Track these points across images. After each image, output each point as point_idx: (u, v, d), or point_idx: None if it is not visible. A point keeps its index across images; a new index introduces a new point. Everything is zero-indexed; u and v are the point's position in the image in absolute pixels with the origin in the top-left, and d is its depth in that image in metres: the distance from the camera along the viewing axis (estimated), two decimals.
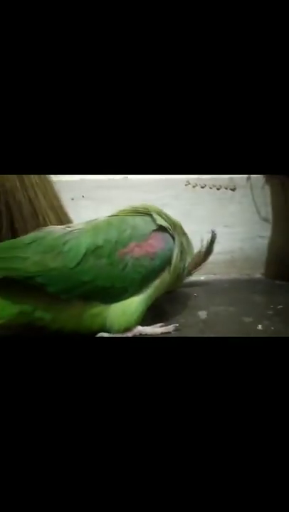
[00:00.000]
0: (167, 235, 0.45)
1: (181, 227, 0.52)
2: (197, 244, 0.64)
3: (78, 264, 0.40)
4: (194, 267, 0.66)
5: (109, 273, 0.40)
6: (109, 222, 0.44)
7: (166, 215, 0.49)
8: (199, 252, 0.65)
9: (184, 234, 0.52)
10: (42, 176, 0.62)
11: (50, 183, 0.63)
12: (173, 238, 0.47)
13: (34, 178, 0.60)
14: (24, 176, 0.60)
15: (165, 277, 0.46)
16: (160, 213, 0.48)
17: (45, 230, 0.44)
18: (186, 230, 0.55)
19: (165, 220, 0.47)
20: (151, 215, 0.46)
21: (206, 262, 0.66)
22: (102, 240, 0.41)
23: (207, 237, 0.65)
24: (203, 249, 0.65)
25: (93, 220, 0.46)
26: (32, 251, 0.40)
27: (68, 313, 0.42)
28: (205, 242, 0.65)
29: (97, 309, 0.42)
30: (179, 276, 0.50)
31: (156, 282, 0.45)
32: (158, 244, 0.43)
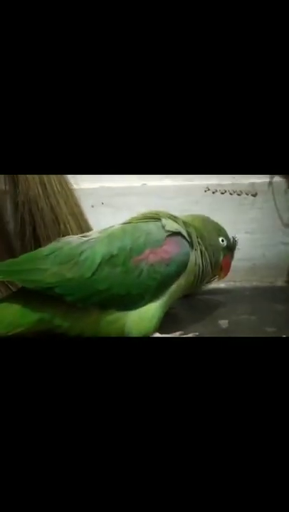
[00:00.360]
0: (182, 239, 0.45)
1: (199, 226, 0.51)
2: None
3: (94, 273, 0.40)
4: (214, 275, 0.65)
5: (125, 281, 0.41)
6: (123, 230, 0.44)
7: (178, 218, 0.48)
8: None
9: (203, 233, 0.51)
10: (63, 183, 0.63)
11: (70, 190, 0.65)
12: (189, 242, 0.47)
13: (56, 186, 0.62)
14: (46, 184, 0.61)
15: (181, 282, 0.45)
16: (171, 217, 0.47)
17: (63, 240, 0.45)
18: None
19: (178, 224, 0.47)
20: (162, 220, 0.45)
21: None
22: (116, 249, 0.42)
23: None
24: None
25: (108, 228, 0.46)
26: (50, 262, 0.41)
27: (86, 321, 0.43)
28: None
29: (115, 316, 0.43)
30: (197, 277, 0.49)
31: (173, 288, 0.44)
32: (173, 249, 0.43)
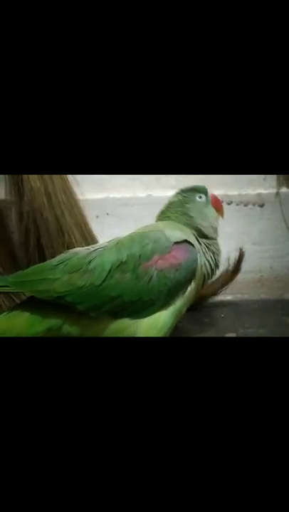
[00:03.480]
0: (189, 245, 0.45)
1: (196, 234, 0.49)
2: (224, 263, 0.61)
3: (104, 280, 0.41)
4: (221, 286, 0.63)
5: (136, 287, 0.41)
6: (131, 238, 0.44)
7: (180, 228, 0.48)
8: (226, 270, 0.63)
9: (207, 241, 0.49)
10: (68, 194, 0.63)
11: (76, 201, 0.65)
12: (194, 246, 0.47)
13: (61, 196, 0.62)
14: (52, 194, 0.61)
15: (192, 289, 0.45)
16: (173, 228, 0.47)
17: (70, 251, 0.45)
18: None
19: (181, 231, 0.47)
20: (165, 232, 0.45)
21: (233, 281, 0.63)
22: (125, 256, 0.42)
23: (234, 255, 0.63)
24: (231, 268, 0.63)
25: (115, 238, 0.46)
26: (60, 272, 0.41)
27: (96, 329, 0.42)
28: (232, 261, 0.63)
29: (125, 324, 0.42)
30: (208, 274, 0.48)
31: (184, 294, 0.44)
32: (181, 255, 0.43)
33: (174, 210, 0.48)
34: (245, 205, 0.69)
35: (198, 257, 0.45)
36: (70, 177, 0.65)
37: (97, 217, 0.69)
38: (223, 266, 0.63)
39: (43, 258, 0.64)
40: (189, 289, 0.44)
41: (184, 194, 0.49)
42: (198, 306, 0.63)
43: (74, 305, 0.41)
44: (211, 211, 0.49)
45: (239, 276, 0.61)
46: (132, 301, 0.41)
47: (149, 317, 0.42)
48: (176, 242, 0.44)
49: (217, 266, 0.48)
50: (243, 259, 0.59)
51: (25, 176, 0.61)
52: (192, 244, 0.45)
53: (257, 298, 0.68)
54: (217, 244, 0.49)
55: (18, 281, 0.42)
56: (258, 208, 0.70)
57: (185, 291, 0.44)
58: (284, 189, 0.71)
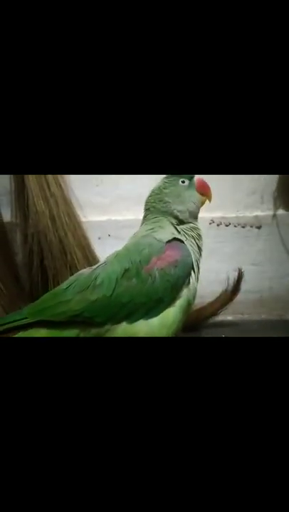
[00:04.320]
0: (179, 243, 0.47)
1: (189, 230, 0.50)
2: (223, 283, 0.62)
3: (114, 290, 0.43)
4: (221, 307, 0.64)
5: (143, 289, 0.44)
6: (127, 248, 0.47)
7: (161, 225, 0.49)
8: (226, 290, 0.63)
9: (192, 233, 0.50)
10: (72, 216, 0.66)
11: (79, 223, 0.67)
12: (184, 241, 0.48)
13: (64, 218, 0.64)
14: (56, 216, 0.64)
15: (193, 283, 0.47)
16: (158, 231, 0.49)
17: (75, 274, 0.48)
18: (212, 267, 0.54)
19: (168, 231, 0.48)
20: (155, 234, 0.48)
21: (233, 302, 0.64)
22: (127, 263, 0.44)
23: (234, 275, 0.64)
24: (230, 288, 0.63)
25: (112, 253, 0.48)
26: (71, 293, 0.44)
27: (111, 334, 0.44)
28: (231, 281, 0.63)
29: (139, 326, 0.44)
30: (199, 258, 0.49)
31: (189, 286, 0.46)
32: (175, 253, 0.46)
33: (153, 199, 0.49)
34: (243, 227, 0.71)
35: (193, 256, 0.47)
36: (74, 200, 0.68)
37: (100, 238, 0.70)
38: (222, 286, 0.63)
39: (45, 279, 0.65)
40: (192, 280, 0.47)
41: (166, 180, 0.49)
42: (198, 326, 0.63)
43: (92, 319, 0.43)
44: (192, 195, 0.49)
45: (239, 297, 0.62)
46: (142, 302, 0.43)
47: (158, 316, 0.44)
48: (167, 241, 0.46)
49: (200, 249, 0.49)
50: (243, 279, 0.60)
51: (31, 200, 0.63)
52: (180, 240, 0.47)
53: (257, 318, 0.68)
54: (197, 228, 0.50)
55: (34, 311, 0.44)
56: (256, 230, 0.71)
57: (188, 283, 0.46)
58: (281, 211, 0.73)
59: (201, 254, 0.49)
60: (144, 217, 0.51)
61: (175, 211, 0.49)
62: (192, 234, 0.49)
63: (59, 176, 0.65)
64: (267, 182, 0.73)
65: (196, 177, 0.50)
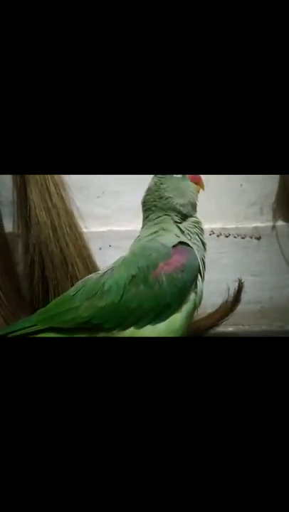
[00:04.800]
0: (185, 246, 0.47)
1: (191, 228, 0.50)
2: (223, 293, 0.62)
3: (122, 296, 0.43)
4: (221, 317, 0.63)
5: (151, 294, 0.44)
6: (133, 254, 0.47)
7: (164, 227, 0.49)
8: (226, 301, 0.63)
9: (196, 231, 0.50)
10: (73, 227, 0.66)
11: (80, 233, 0.67)
12: (190, 245, 0.48)
13: (66, 229, 0.65)
14: (57, 227, 0.64)
15: (200, 286, 0.47)
16: (161, 234, 0.48)
17: (82, 280, 0.48)
18: (212, 278, 0.54)
19: (174, 235, 0.48)
20: (161, 239, 0.48)
21: (233, 313, 0.64)
22: (134, 269, 0.45)
23: (234, 286, 0.64)
24: (230, 299, 0.63)
25: (118, 258, 0.48)
26: (79, 300, 0.44)
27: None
28: (232, 292, 0.63)
29: (146, 331, 0.44)
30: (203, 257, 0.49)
31: (194, 292, 0.46)
32: (181, 258, 0.46)
33: (151, 197, 0.49)
34: (243, 238, 0.72)
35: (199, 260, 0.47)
36: (76, 211, 0.69)
37: (100, 249, 0.71)
38: (222, 296, 0.63)
39: (46, 289, 0.65)
40: (198, 283, 0.47)
41: (159, 176, 0.50)
42: (199, 337, 0.63)
43: (101, 325, 0.43)
44: (188, 185, 0.49)
45: (240, 308, 0.61)
46: (150, 308, 0.44)
47: (166, 321, 0.44)
48: (174, 246, 0.46)
49: (204, 244, 0.49)
50: (243, 290, 0.60)
51: (33, 211, 0.64)
52: (186, 244, 0.47)
53: (258, 329, 0.68)
54: (199, 222, 0.50)
55: (43, 318, 0.45)
56: (256, 241, 0.72)
57: (196, 287, 0.46)
58: (280, 222, 0.74)
59: (205, 250, 0.49)
60: (146, 217, 0.50)
61: (178, 205, 0.48)
62: (195, 230, 0.49)
63: (61, 187, 0.66)
64: (266, 194, 0.74)
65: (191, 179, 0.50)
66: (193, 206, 0.50)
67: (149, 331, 0.44)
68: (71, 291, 0.46)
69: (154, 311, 0.44)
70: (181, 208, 0.49)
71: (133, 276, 0.44)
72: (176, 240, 0.47)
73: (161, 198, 0.49)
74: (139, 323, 0.44)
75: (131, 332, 0.44)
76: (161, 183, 0.49)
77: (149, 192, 0.50)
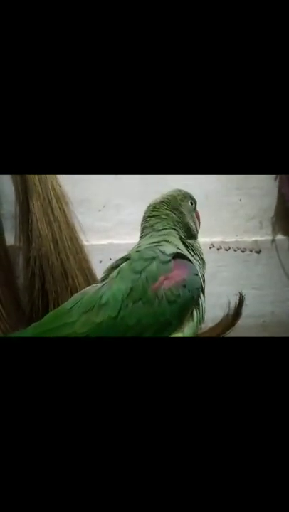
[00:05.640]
0: (187, 261, 0.46)
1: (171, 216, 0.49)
2: (224, 307, 0.62)
3: (120, 311, 0.41)
4: (222, 331, 0.63)
5: (150, 310, 0.41)
6: (129, 263, 0.45)
7: (164, 236, 0.48)
8: (227, 315, 0.63)
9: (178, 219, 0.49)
10: (74, 240, 0.67)
11: (81, 246, 0.68)
12: (189, 258, 0.47)
13: (67, 242, 0.65)
14: (58, 240, 0.65)
15: (202, 303, 0.45)
16: (162, 244, 0.47)
17: (79, 293, 0.46)
18: (213, 291, 0.54)
19: (173, 244, 0.47)
20: (161, 246, 0.46)
21: (234, 326, 0.63)
22: (132, 281, 0.43)
23: (235, 300, 0.63)
24: (231, 312, 0.63)
25: (112, 267, 0.47)
26: (76, 314, 0.42)
27: None
28: (232, 305, 0.63)
29: None
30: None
31: (196, 310, 0.44)
32: (183, 272, 0.44)
33: (167, 206, 0.49)
34: (243, 251, 0.72)
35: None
36: (77, 225, 0.69)
37: (101, 262, 0.71)
38: (223, 310, 0.63)
39: (46, 302, 0.64)
40: (201, 301, 0.45)
41: (180, 192, 0.50)
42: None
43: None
44: (195, 218, 0.51)
45: (241, 321, 0.61)
46: (150, 324, 0.41)
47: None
48: (173, 257, 0.45)
49: (204, 262, 0.49)
50: (244, 303, 0.59)
51: (34, 224, 0.65)
52: (186, 258, 0.46)
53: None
54: (198, 243, 0.50)
55: (39, 332, 0.43)
56: (255, 254, 0.72)
57: (198, 304, 0.44)
58: (279, 236, 0.74)
59: (205, 268, 0.48)
60: (151, 226, 0.49)
61: (189, 224, 0.49)
62: (198, 248, 0.49)
63: (62, 200, 0.67)
64: (265, 208, 0.75)
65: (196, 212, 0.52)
66: (196, 236, 0.50)
67: None
68: (68, 303, 0.44)
69: (152, 328, 0.41)
70: (191, 228, 0.49)
71: (131, 289, 0.42)
72: (174, 250, 0.45)
73: (176, 210, 0.49)
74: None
75: None
76: (181, 201, 0.50)
77: (166, 200, 0.49)
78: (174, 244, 0.47)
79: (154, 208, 0.50)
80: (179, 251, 0.46)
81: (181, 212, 0.49)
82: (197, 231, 0.51)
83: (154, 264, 0.44)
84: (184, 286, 0.43)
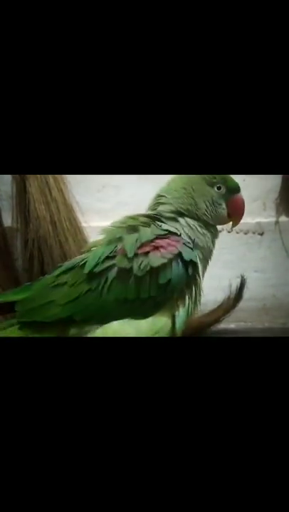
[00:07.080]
0: (181, 238, 0.43)
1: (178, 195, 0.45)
2: (225, 290, 0.61)
3: (96, 266, 0.40)
4: (223, 314, 0.63)
5: (135, 284, 0.39)
6: (120, 226, 0.44)
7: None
8: (228, 297, 0.62)
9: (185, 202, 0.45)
10: (73, 221, 0.65)
11: (80, 228, 0.67)
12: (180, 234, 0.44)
13: (65, 223, 0.64)
14: (57, 222, 0.63)
15: (199, 283, 0.43)
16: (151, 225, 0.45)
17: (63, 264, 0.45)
18: (214, 274, 0.53)
19: (171, 222, 0.45)
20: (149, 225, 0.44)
21: (235, 309, 0.63)
22: (116, 242, 0.42)
23: (236, 282, 0.63)
24: (233, 295, 0.62)
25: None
26: (61, 285, 0.41)
27: (92, 334, 0.41)
28: (234, 288, 0.62)
29: (123, 326, 0.40)
30: (207, 254, 0.46)
31: (190, 294, 0.42)
32: (179, 243, 0.41)
33: (187, 197, 0.44)
34: (245, 234, 0.71)
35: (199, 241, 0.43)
36: (75, 206, 0.68)
37: None
38: (225, 293, 0.62)
39: None
40: (196, 285, 0.42)
41: (211, 175, 0.43)
42: (200, 334, 0.62)
43: (86, 322, 0.40)
44: (219, 209, 0.44)
45: (242, 304, 0.61)
46: (131, 300, 0.39)
47: (150, 319, 0.40)
48: (169, 232, 0.42)
49: (211, 250, 0.45)
50: (245, 286, 0.59)
51: (32, 205, 0.63)
52: (177, 234, 0.43)
53: (261, 326, 0.67)
54: (211, 229, 0.45)
55: (25, 310, 0.42)
56: (258, 236, 0.71)
57: (191, 287, 0.42)
58: (283, 218, 0.72)
59: (211, 258, 0.45)
60: (172, 218, 0.44)
61: (205, 213, 0.44)
62: (208, 233, 0.44)
63: (60, 181, 0.65)
64: (269, 189, 0.73)
65: (239, 197, 0.45)
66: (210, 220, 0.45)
67: (127, 325, 0.40)
68: (49, 279, 0.43)
69: (134, 304, 0.39)
70: (205, 217, 0.43)
71: (114, 248, 0.40)
72: (169, 228, 0.42)
73: (192, 204, 0.44)
74: (116, 317, 0.40)
75: (106, 327, 0.40)
76: (208, 185, 0.44)
77: (183, 192, 0.44)
78: (173, 221, 0.44)
79: (178, 203, 0.45)
80: (177, 231, 0.44)
81: (197, 206, 0.44)
82: (213, 217, 0.44)
83: (149, 228, 0.42)
84: (178, 256, 0.40)
